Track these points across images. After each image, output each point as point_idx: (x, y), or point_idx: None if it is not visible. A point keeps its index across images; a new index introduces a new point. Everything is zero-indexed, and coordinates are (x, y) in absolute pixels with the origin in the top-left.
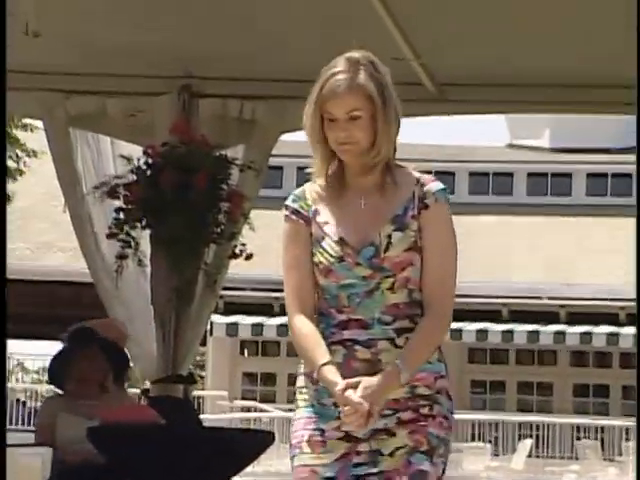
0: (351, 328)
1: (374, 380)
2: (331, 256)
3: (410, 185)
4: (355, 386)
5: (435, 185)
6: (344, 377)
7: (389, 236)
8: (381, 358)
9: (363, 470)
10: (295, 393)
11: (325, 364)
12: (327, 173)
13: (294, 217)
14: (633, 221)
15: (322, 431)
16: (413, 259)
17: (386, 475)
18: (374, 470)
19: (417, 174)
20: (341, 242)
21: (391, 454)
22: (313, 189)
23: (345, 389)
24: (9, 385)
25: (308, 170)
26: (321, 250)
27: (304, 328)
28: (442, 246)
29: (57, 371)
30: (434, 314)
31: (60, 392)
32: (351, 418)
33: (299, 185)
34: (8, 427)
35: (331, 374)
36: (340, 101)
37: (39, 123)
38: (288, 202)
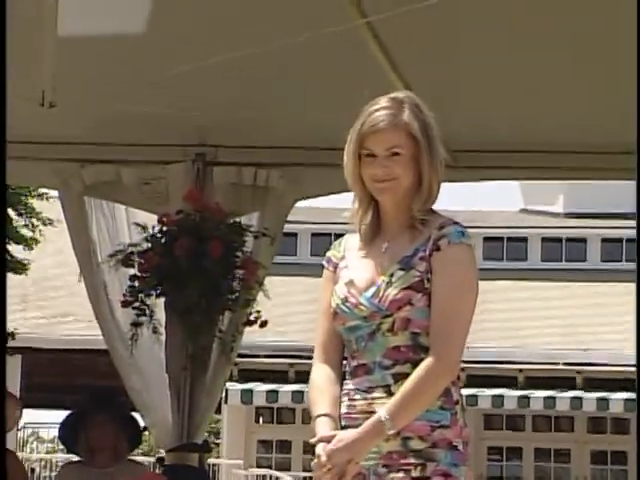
0: (358, 375)
1: (350, 433)
2: (338, 297)
3: (432, 229)
4: (329, 440)
5: (452, 228)
6: (344, 428)
7: (391, 275)
8: (375, 409)
9: None
10: None
11: (319, 416)
12: (362, 219)
13: (326, 265)
14: None
15: None
16: (413, 299)
17: None
18: None
19: (443, 219)
20: (349, 284)
21: None
22: (350, 236)
23: (319, 442)
24: (23, 454)
25: (346, 214)
26: (333, 294)
27: (317, 379)
28: (449, 287)
29: (67, 436)
30: (432, 357)
31: (77, 459)
32: (316, 472)
33: (313, 252)
34: None
35: (320, 426)
36: (381, 136)
37: (54, 192)
38: (328, 252)
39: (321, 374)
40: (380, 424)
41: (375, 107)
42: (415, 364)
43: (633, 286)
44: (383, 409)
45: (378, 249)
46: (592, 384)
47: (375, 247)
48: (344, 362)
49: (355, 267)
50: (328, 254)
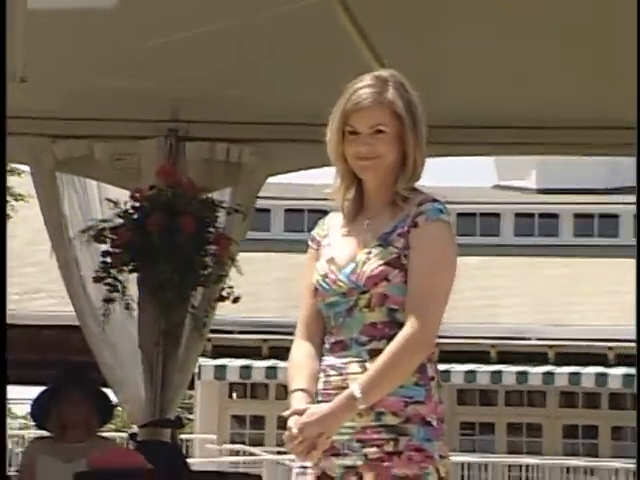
0: (335, 351)
1: (323, 407)
2: (319, 274)
3: (412, 206)
4: (302, 413)
5: (431, 205)
6: (322, 400)
7: (369, 252)
8: (349, 385)
9: None
10: None
11: (295, 391)
12: (345, 195)
13: (310, 243)
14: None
15: (304, 468)
16: (389, 274)
17: None
18: None
19: (423, 196)
20: (330, 261)
21: None
22: (334, 214)
23: (292, 415)
24: None
25: (327, 190)
26: (315, 271)
27: (296, 355)
28: (426, 264)
29: (39, 412)
30: (406, 333)
31: (46, 434)
32: (288, 445)
33: (286, 228)
34: None
35: (295, 401)
36: (365, 114)
37: (26, 167)
38: (313, 230)
39: (301, 350)
40: (352, 399)
41: (359, 85)
42: (391, 340)
43: (604, 261)
44: (356, 384)
45: (360, 226)
46: (564, 359)
47: (357, 224)
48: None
49: (337, 244)
50: (312, 232)
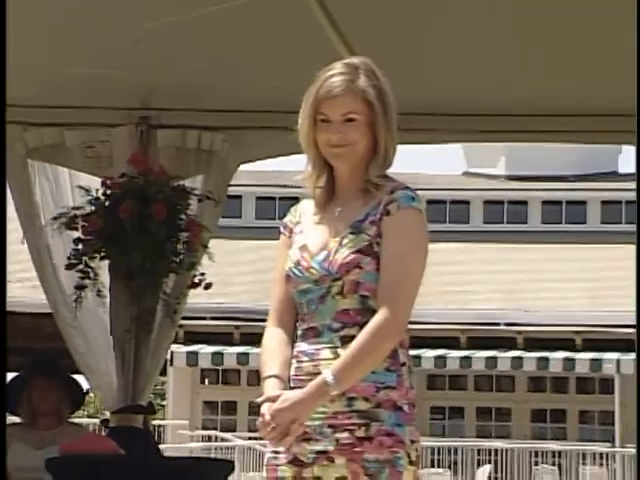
0: (308, 337)
1: (295, 394)
2: (291, 261)
3: (384, 193)
4: (275, 400)
5: (402, 193)
6: (294, 386)
7: (342, 239)
8: (321, 371)
9: None
10: None
11: (268, 377)
12: (316, 183)
13: (282, 230)
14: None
15: (277, 453)
16: (362, 262)
17: None
18: None
19: (395, 183)
20: (303, 248)
21: None
22: (307, 201)
23: (264, 401)
24: None
25: (298, 177)
26: (287, 258)
27: (269, 341)
28: (398, 251)
29: (10, 399)
30: (379, 319)
31: (16, 421)
32: (261, 432)
33: (258, 215)
34: None
35: (268, 387)
36: (336, 101)
37: None
38: (285, 217)
39: (273, 336)
40: (324, 385)
41: (331, 72)
42: (363, 327)
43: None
44: (328, 370)
45: (332, 213)
46: (532, 344)
47: (329, 211)
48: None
49: (309, 231)
50: (284, 219)
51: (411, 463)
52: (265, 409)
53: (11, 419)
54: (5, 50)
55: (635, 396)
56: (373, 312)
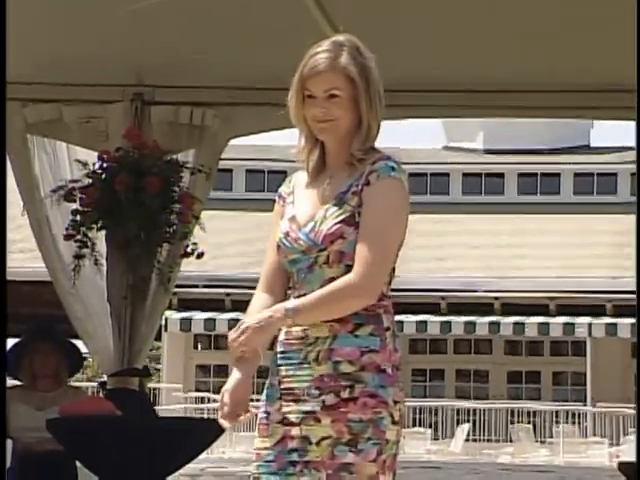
0: None
1: (252, 318)
2: (281, 232)
3: (367, 165)
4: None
5: (383, 163)
6: (284, 353)
7: (327, 211)
8: (310, 334)
9: (295, 457)
10: None
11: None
12: (309, 156)
13: (277, 200)
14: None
15: (268, 414)
16: (345, 232)
17: (312, 465)
18: (304, 459)
19: (378, 155)
20: (292, 219)
21: (318, 443)
22: (300, 173)
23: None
24: None
25: (292, 150)
26: (278, 228)
27: (253, 306)
28: (374, 219)
29: (12, 363)
30: (347, 277)
31: (17, 384)
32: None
33: (248, 188)
34: None
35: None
36: (320, 78)
37: None
38: (280, 187)
39: (258, 302)
40: (283, 309)
41: (316, 50)
42: None
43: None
44: (290, 302)
45: (321, 185)
46: (509, 310)
47: (319, 183)
48: (289, 292)
49: (299, 203)
50: (279, 190)
51: (394, 423)
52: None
53: (13, 382)
54: (5, 30)
55: (606, 358)
56: None
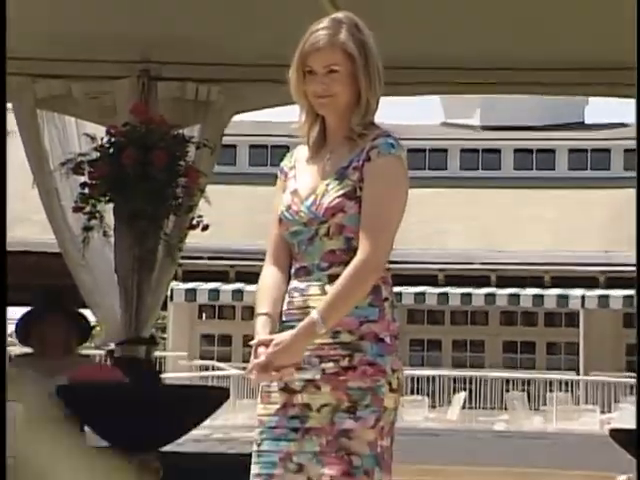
0: (299, 276)
1: (286, 336)
2: (283, 205)
3: (367, 141)
4: (268, 343)
5: (383, 140)
6: (284, 323)
7: (328, 184)
8: (310, 305)
9: (296, 423)
10: None
11: (260, 314)
12: (309, 131)
13: (279, 174)
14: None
15: (270, 382)
16: (345, 206)
17: (313, 432)
18: (305, 425)
19: (378, 131)
20: (294, 193)
21: (318, 410)
22: (302, 147)
23: (259, 345)
24: None
25: (293, 125)
26: (281, 201)
27: (263, 280)
28: (377, 196)
29: (22, 331)
30: (360, 258)
31: (28, 351)
32: (250, 375)
33: (251, 162)
34: None
35: (259, 325)
36: (319, 55)
37: (8, 105)
38: (282, 162)
39: (268, 276)
40: (313, 325)
41: (316, 27)
42: (347, 265)
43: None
44: (315, 311)
45: (322, 159)
46: (504, 282)
47: (320, 158)
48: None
49: (301, 177)
50: (281, 164)
51: (392, 390)
52: (254, 353)
53: (24, 350)
54: (5, 6)
55: (598, 329)
56: (356, 252)
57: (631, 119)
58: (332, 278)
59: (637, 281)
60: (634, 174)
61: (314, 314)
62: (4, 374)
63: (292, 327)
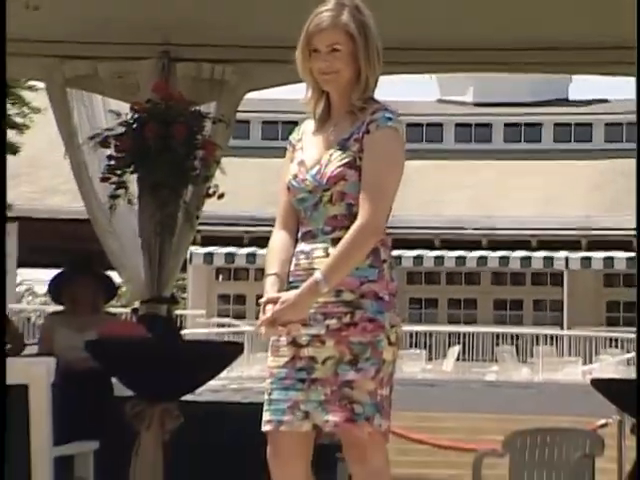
0: (305, 239)
1: (292, 294)
2: (291, 174)
3: (367, 115)
4: (276, 301)
5: (382, 114)
6: (291, 283)
7: (331, 155)
8: (315, 266)
9: (303, 375)
10: None
11: (269, 275)
12: (315, 106)
13: (288, 146)
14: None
15: (279, 337)
16: (346, 174)
17: (319, 382)
18: (311, 377)
19: (377, 105)
20: (300, 163)
21: (323, 362)
22: (308, 121)
23: (267, 302)
24: (19, 307)
25: (301, 101)
26: (289, 171)
27: (273, 243)
28: (374, 165)
29: (55, 290)
30: (360, 222)
31: (60, 309)
32: (260, 329)
33: (263, 137)
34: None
35: (268, 285)
36: (323, 34)
37: (41, 84)
38: (290, 135)
39: (277, 239)
40: (316, 284)
41: (320, 9)
42: (348, 230)
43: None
44: (319, 271)
45: (326, 132)
46: (495, 245)
47: (324, 130)
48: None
49: (307, 148)
50: (290, 137)
51: (390, 344)
52: (267, 310)
53: (58, 308)
54: (5, 6)
55: (580, 288)
56: (357, 217)
57: (611, 96)
58: (335, 241)
59: (637, 251)
60: (614, 146)
61: (318, 274)
62: (4, 375)
63: (298, 287)
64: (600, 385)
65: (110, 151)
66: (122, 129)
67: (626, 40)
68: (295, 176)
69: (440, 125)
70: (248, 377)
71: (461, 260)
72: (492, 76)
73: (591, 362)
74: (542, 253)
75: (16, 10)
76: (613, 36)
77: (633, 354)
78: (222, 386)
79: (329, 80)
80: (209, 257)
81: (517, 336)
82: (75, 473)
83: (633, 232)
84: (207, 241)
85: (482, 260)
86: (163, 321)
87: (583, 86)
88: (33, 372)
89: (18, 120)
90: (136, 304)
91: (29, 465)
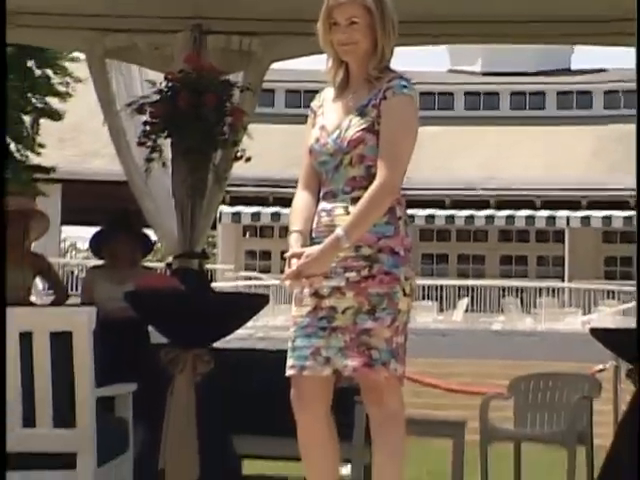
0: (327, 199)
1: (315, 249)
2: (313, 138)
3: (384, 83)
4: (300, 255)
5: (397, 82)
6: (314, 239)
7: (350, 120)
8: (336, 223)
9: (324, 323)
10: None
11: (293, 231)
12: (335, 75)
13: (310, 113)
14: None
15: (302, 288)
16: (365, 138)
17: (339, 331)
18: (331, 325)
19: (393, 74)
20: (322, 128)
21: (343, 312)
22: (328, 89)
23: (292, 256)
24: (63, 261)
25: (323, 70)
26: (311, 136)
27: (296, 202)
28: (391, 130)
29: (96, 246)
30: (378, 182)
31: (100, 263)
32: (285, 281)
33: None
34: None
35: (292, 240)
36: (342, 8)
37: (82, 55)
38: (312, 102)
39: (300, 199)
40: (337, 239)
41: None
42: (367, 189)
43: (534, 129)
44: (340, 228)
45: (345, 100)
46: (502, 205)
47: (344, 98)
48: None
49: (328, 114)
50: (311, 104)
51: (405, 295)
52: (293, 264)
53: (99, 262)
54: (4, 6)
55: (581, 245)
56: (375, 177)
57: (610, 65)
58: (354, 200)
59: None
60: (613, 112)
61: (339, 230)
62: (4, 378)
63: (320, 242)
64: (598, 334)
65: (146, 117)
66: (157, 97)
67: (627, 12)
68: (317, 140)
69: (451, 94)
70: (273, 326)
71: (470, 219)
72: (499, 47)
73: (590, 312)
74: (545, 212)
75: None
76: (614, 8)
77: (629, 305)
78: (249, 335)
79: (348, 51)
80: (237, 216)
81: (522, 289)
82: (115, 413)
83: (629, 192)
84: (235, 201)
85: (490, 219)
86: (195, 274)
87: (584, 56)
88: (76, 320)
89: (61, 89)
90: (170, 259)
91: (74, 405)
